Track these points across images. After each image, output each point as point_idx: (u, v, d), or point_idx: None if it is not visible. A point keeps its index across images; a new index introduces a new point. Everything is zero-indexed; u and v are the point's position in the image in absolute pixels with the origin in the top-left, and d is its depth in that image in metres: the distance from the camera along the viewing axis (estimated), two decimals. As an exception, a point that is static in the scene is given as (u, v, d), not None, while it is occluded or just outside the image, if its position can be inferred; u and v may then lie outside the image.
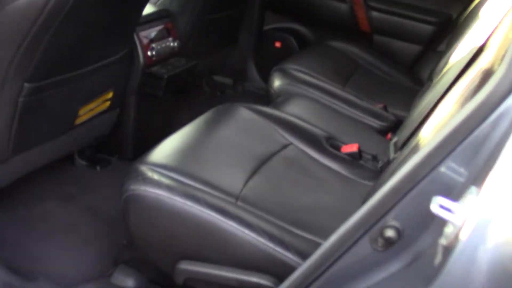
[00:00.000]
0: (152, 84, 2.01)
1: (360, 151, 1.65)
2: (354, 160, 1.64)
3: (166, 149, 1.42)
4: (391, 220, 0.83)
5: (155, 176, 1.27)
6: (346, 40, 2.56)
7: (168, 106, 2.31)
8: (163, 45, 2.06)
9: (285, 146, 1.62)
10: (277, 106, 1.92)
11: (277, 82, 2.10)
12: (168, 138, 1.48)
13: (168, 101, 2.25)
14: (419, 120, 1.42)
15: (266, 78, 2.94)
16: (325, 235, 1.31)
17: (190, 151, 1.42)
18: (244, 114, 1.69)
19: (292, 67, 2.18)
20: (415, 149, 1.30)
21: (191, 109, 2.70)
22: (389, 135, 1.93)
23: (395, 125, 1.99)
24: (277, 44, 2.87)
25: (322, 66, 2.26)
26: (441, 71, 1.87)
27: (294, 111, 1.87)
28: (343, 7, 2.68)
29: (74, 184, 1.99)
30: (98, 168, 2.09)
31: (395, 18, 2.59)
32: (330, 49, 2.48)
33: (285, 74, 2.13)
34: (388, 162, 1.50)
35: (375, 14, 2.63)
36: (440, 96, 1.38)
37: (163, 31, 2.09)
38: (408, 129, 1.47)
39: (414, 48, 2.62)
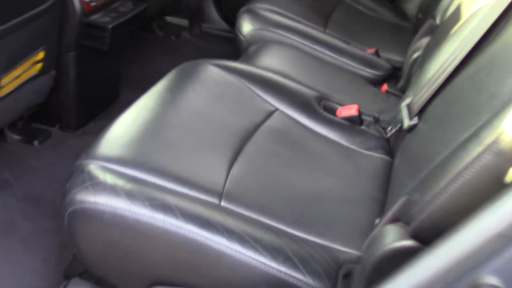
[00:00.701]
0: (93, 37, 1.62)
1: (360, 114, 1.35)
2: (354, 125, 1.34)
3: (119, 134, 1.07)
4: (485, 275, 0.54)
5: (109, 179, 0.93)
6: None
7: (115, 60, 1.92)
8: (103, -14, 1.65)
9: (270, 114, 1.30)
10: (250, 58, 1.58)
11: (246, 27, 1.74)
12: (121, 117, 1.13)
13: (114, 54, 1.86)
14: (440, 79, 1.12)
15: (227, 17, 2.58)
16: (336, 236, 1.05)
17: (151, 133, 1.08)
18: (214, 74, 1.34)
19: (263, 7, 1.81)
20: (446, 119, 1.01)
21: (142, 60, 2.31)
22: (385, 86, 1.63)
23: (390, 73, 1.69)
24: (237, -23, 2.46)
25: (298, 4, 1.90)
26: (446, 8, 1.55)
27: (273, 64, 1.53)
28: None
29: (7, 166, 1.62)
30: (36, 143, 1.71)
31: None
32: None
33: (255, 16, 1.76)
34: (401, 129, 1.21)
35: None
36: (468, 52, 1.08)
37: (102, -33, 1.67)
38: (424, 89, 1.17)
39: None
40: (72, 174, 0.97)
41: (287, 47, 1.65)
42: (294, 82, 1.42)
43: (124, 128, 1.08)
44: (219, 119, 1.20)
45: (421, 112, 1.16)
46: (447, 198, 0.70)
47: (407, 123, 1.17)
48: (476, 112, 0.89)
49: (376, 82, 1.66)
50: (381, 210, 1.11)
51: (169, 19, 2.58)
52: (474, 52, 1.07)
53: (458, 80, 1.07)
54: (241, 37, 1.75)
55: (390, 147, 1.31)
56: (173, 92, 1.24)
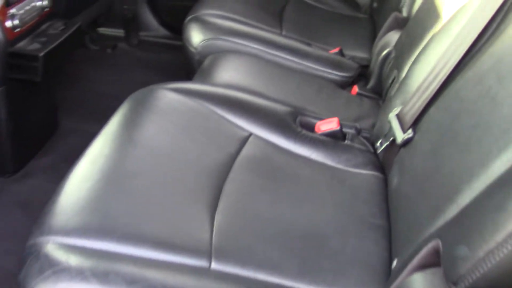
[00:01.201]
0: (23, 68, 1.40)
1: (341, 127, 1.22)
2: (336, 141, 1.20)
3: (76, 195, 0.88)
4: None
5: (74, 261, 0.75)
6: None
7: (50, 87, 1.70)
8: (28, 7, 1.42)
9: (244, 140, 1.14)
10: (207, 74, 1.41)
11: (196, 38, 1.56)
12: (73, 172, 0.94)
13: (49, 81, 1.64)
14: (434, 85, 1.00)
15: (166, 23, 2.38)
16: (349, 283, 0.91)
17: (114, 189, 0.90)
18: (173, 102, 1.17)
19: (211, 13, 1.64)
20: (455, 134, 0.88)
21: (79, 81, 2.09)
22: (355, 88, 1.50)
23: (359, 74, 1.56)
24: (173, -22, 2.27)
25: (247, 5, 1.74)
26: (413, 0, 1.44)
27: (235, 78, 1.37)
28: None
29: None
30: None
31: None
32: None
33: (204, 25, 1.59)
34: (393, 142, 1.08)
35: None
36: (464, 53, 0.96)
37: (23, -14, 1.44)
38: (415, 97, 1.05)
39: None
40: (25, 259, 0.77)
41: (245, 56, 1.49)
42: (263, 98, 1.27)
43: (80, 187, 0.90)
44: (189, 157, 1.03)
45: (415, 123, 1.04)
46: (507, 255, 0.58)
47: (400, 136, 1.05)
48: (495, 126, 0.77)
49: (345, 85, 1.53)
50: (387, 240, 0.98)
51: (103, 30, 2.35)
52: (472, 53, 0.96)
53: (457, 85, 0.95)
54: (192, 49, 1.57)
55: (379, 161, 1.18)
56: (130, 131, 1.06)
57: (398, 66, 1.29)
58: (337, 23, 1.84)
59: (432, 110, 1.01)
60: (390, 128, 1.10)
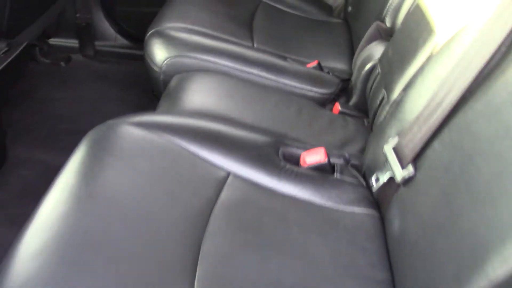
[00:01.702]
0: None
1: (329, 159, 1.09)
2: (324, 175, 1.07)
3: (25, 277, 0.72)
4: None
5: None
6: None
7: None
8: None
9: (222, 182, 0.99)
10: (175, 99, 1.26)
11: (160, 55, 1.40)
12: (23, 242, 0.78)
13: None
14: (437, 115, 0.88)
15: (124, 30, 2.20)
16: None
17: (72, 267, 0.74)
18: (138, 140, 1.01)
19: (175, 27, 1.48)
20: (468, 179, 0.76)
21: (29, 101, 1.89)
22: (337, 105, 1.38)
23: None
24: (130, -18, 2.09)
25: (213, 16, 1.59)
26: (397, 9, 1.32)
27: (206, 104, 1.23)
28: None
29: None
30: None
31: None
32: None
33: (168, 40, 1.43)
34: (393, 182, 0.96)
35: None
36: (473, 80, 0.84)
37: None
38: (415, 128, 0.92)
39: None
40: None
41: (215, 76, 1.34)
42: (239, 127, 1.13)
43: (29, 265, 0.74)
44: (159, 211, 0.88)
45: (416, 159, 0.92)
46: None
47: (399, 174, 0.92)
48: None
49: (326, 101, 1.40)
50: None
51: (54, 41, 2.15)
52: (480, 80, 0.84)
53: (466, 118, 0.83)
54: (155, 69, 1.41)
55: (372, 196, 1.06)
56: (89, 182, 0.90)
57: (387, 85, 1.16)
58: (311, 31, 1.70)
59: (436, 144, 0.89)
60: (386, 162, 0.98)
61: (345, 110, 1.36)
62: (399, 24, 1.29)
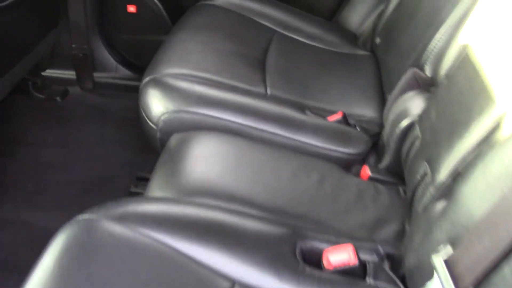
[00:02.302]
0: None
1: (359, 258, 0.87)
2: (354, 281, 0.85)
3: None
4: None
5: None
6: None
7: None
8: None
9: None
10: (172, 170, 1.05)
11: (157, 110, 1.19)
12: None
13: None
14: (506, 231, 0.66)
15: (125, 60, 2.00)
16: None
17: None
18: (119, 245, 0.81)
19: (175, 73, 1.27)
20: None
21: (19, 147, 1.69)
22: (366, 169, 1.16)
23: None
24: (131, 9, 1.88)
25: (221, 54, 1.37)
26: (439, 56, 1.09)
27: (209, 178, 1.02)
28: None
29: None
30: None
31: None
32: (218, 14, 1.57)
33: (166, 91, 1.21)
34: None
35: None
36: None
37: None
38: (475, 241, 0.70)
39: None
40: None
41: (221, 138, 1.12)
42: (247, 215, 0.92)
43: None
44: None
45: (478, 285, 0.69)
46: None
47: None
48: None
49: (353, 163, 1.18)
50: None
51: (50, 73, 1.96)
52: None
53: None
54: (151, 125, 1.20)
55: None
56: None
57: (430, 159, 0.94)
58: (334, 68, 1.47)
59: (507, 269, 0.66)
60: (436, 277, 0.76)
61: (376, 176, 1.14)
62: (442, 76, 1.06)
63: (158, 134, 1.20)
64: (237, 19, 1.58)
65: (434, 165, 0.92)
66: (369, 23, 1.75)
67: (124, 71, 1.97)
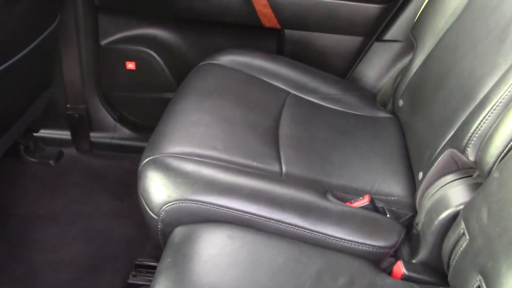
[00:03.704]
0: None
1: None
2: None
3: None
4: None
5: None
6: (244, 50, 1.53)
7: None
8: None
9: None
10: (176, 274, 0.90)
11: (157, 199, 1.04)
12: None
13: None
14: None
15: (124, 118, 1.87)
16: None
17: None
18: None
19: (178, 153, 1.12)
20: None
21: (7, 227, 1.54)
22: (400, 266, 1.00)
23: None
24: (130, 66, 1.75)
25: (229, 126, 1.22)
26: (484, 137, 0.94)
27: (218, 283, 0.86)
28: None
29: None
30: None
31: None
32: (224, 75, 1.43)
33: (168, 175, 1.06)
34: None
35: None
36: None
37: None
38: None
39: (353, 44, 1.66)
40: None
41: (232, 232, 0.97)
42: None
43: None
44: None
45: None
46: None
47: None
48: None
49: (383, 256, 1.02)
50: None
51: (43, 133, 1.83)
52: None
53: None
54: (152, 215, 1.05)
55: None
56: None
57: (485, 274, 0.78)
58: (353, 134, 1.33)
59: None
60: None
61: (412, 275, 0.98)
62: (489, 164, 0.90)
63: (160, 226, 1.05)
64: (245, 80, 1.44)
65: (491, 282, 0.76)
66: (387, 80, 1.63)
67: (123, 131, 1.83)
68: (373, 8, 1.57)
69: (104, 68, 1.76)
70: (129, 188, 1.68)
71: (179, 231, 1.00)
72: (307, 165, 1.18)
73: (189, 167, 1.08)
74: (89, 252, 1.44)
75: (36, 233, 1.50)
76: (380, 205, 1.11)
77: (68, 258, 1.42)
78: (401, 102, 1.40)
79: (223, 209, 1.02)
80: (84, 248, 1.45)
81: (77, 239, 1.48)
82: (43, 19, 1.40)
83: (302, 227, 1.01)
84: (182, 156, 1.11)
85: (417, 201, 1.08)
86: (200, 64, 1.49)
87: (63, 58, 1.66)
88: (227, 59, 1.49)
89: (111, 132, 1.83)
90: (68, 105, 1.75)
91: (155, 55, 1.73)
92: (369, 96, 1.54)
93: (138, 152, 1.85)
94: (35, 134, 1.79)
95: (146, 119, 1.84)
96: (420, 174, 1.11)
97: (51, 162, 1.77)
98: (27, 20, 1.31)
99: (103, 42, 1.72)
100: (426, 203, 1.02)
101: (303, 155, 1.21)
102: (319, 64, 1.63)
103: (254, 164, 1.14)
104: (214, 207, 1.02)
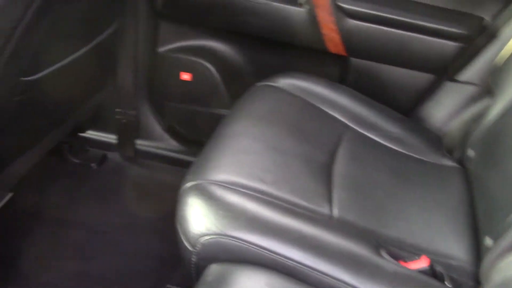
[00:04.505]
0: None
1: None
2: None
3: None
4: None
5: None
6: (305, 75, 1.44)
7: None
8: None
9: None
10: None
11: (196, 229, 0.96)
12: None
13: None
14: None
15: (173, 129, 1.81)
16: None
17: None
18: None
19: (223, 181, 1.04)
20: None
21: (37, 229, 1.49)
22: None
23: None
24: (185, 76, 1.69)
25: (280, 158, 1.13)
26: None
27: None
28: (297, 13, 1.53)
29: None
30: None
31: (389, 30, 1.49)
32: (280, 99, 1.34)
33: (211, 205, 0.98)
34: None
35: (352, 23, 1.51)
36: None
37: None
38: None
39: (422, 80, 1.55)
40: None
41: (271, 282, 0.88)
42: None
43: None
44: None
45: None
46: None
47: None
48: None
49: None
50: None
51: (89, 134, 1.79)
52: None
53: None
54: (187, 245, 0.97)
55: None
56: None
57: None
58: (416, 183, 1.21)
59: None
60: None
61: None
62: None
63: (194, 258, 0.96)
64: (302, 106, 1.35)
65: None
66: (456, 124, 1.49)
67: (170, 142, 1.77)
68: (450, 45, 1.46)
69: (158, 76, 1.71)
70: (169, 202, 1.62)
71: (214, 269, 0.92)
72: (360, 211, 1.08)
73: (233, 198, 0.99)
74: (118, 266, 1.37)
75: (68, 238, 1.45)
76: (439, 269, 0.99)
77: (96, 270, 1.36)
78: (472, 152, 1.28)
79: (264, 252, 0.92)
80: (113, 261, 1.39)
81: (108, 251, 1.42)
82: (101, 21, 1.36)
83: (349, 284, 0.91)
84: (227, 186, 1.02)
85: (483, 271, 0.96)
86: (258, 84, 1.41)
87: (118, 62, 1.62)
88: (286, 82, 1.40)
89: (158, 141, 1.77)
90: (118, 110, 1.71)
91: (212, 68, 1.66)
92: (435, 140, 1.42)
93: (183, 166, 1.77)
94: (80, 134, 1.76)
95: (196, 133, 1.77)
96: (488, 239, 0.99)
97: (93, 165, 1.73)
98: (86, 20, 1.27)
99: (161, 49, 1.67)
100: (495, 277, 0.90)
101: (357, 199, 1.11)
102: (383, 98, 1.52)
103: (303, 203, 1.04)
104: (255, 248, 0.93)
